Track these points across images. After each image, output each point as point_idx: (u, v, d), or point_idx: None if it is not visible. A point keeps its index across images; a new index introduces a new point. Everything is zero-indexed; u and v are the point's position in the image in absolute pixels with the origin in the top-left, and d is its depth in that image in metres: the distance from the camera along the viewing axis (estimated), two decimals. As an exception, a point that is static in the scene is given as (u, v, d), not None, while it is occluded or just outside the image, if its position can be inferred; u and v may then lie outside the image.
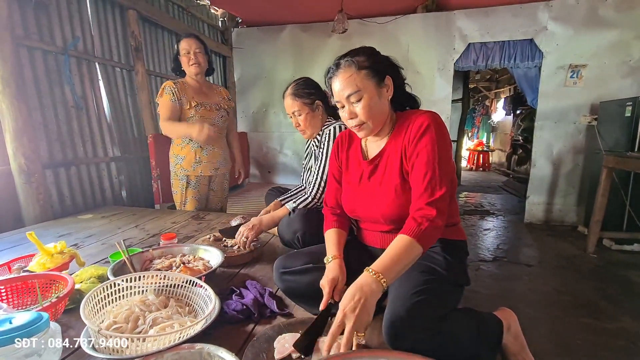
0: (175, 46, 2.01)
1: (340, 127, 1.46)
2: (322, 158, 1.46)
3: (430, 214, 0.81)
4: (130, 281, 0.90)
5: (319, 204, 1.43)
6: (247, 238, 1.38)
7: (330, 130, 1.47)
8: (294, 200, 1.46)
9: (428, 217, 0.81)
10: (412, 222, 0.82)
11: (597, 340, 1.71)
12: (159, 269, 1.18)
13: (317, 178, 1.45)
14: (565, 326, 1.85)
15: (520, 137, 6.18)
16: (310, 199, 1.44)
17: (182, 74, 2.06)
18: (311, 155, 1.62)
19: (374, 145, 1.03)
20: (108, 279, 1.01)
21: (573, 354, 1.62)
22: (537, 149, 3.56)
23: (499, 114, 8.47)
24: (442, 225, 0.83)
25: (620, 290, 2.26)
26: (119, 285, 0.88)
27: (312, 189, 1.44)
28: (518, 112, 6.49)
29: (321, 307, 0.82)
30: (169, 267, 1.19)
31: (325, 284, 0.86)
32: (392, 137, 0.97)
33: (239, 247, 1.41)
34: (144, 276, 0.93)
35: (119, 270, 1.11)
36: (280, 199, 1.56)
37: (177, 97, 1.97)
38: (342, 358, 0.62)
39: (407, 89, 1.02)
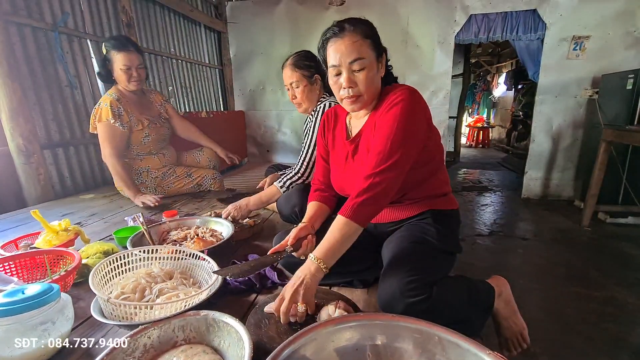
0: (103, 51, 1.80)
1: (332, 104, 1.44)
2: (309, 134, 1.46)
3: (360, 188, 0.82)
4: (134, 255, 0.93)
5: (305, 179, 1.44)
6: (233, 216, 1.44)
7: (321, 107, 1.46)
8: (280, 179, 1.47)
9: (358, 193, 0.82)
10: (347, 201, 0.83)
11: (586, 308, 1.79)
12: (175, 240, 1.25)
13: (302, 154, 1.46)
14: (556, 295, 1.92)
15: (520, 113, 6.13)
16: (296, 176, 1.45)
17: (111, 81, 1.88)
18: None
19: (356, 123, 1.03)
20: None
21: (563, 321, 1.69)
22: (537, 123, 3.54)
23: (500, 89, 8.34)
24: (372, 198, 0.81)
25: (611, 261, 2.32)
26: (124, 258, 0.91)
27: (298, 165, 1.45)
28: (519, 86, 6.40)
29: (270, 251, 0.91)
30: (184, 239, 1.25)
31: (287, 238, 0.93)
32: (371, 115, 0.97)
33: (232, 215, 1.46)
34: (146, 250, 0.96)
35: (138, 241, 1.17)
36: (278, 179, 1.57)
37: (126, 119, 1.82)
38: (338, 322, 0.65)
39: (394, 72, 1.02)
